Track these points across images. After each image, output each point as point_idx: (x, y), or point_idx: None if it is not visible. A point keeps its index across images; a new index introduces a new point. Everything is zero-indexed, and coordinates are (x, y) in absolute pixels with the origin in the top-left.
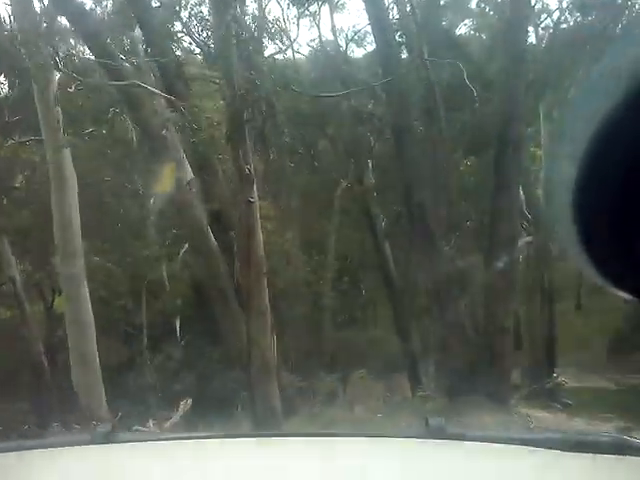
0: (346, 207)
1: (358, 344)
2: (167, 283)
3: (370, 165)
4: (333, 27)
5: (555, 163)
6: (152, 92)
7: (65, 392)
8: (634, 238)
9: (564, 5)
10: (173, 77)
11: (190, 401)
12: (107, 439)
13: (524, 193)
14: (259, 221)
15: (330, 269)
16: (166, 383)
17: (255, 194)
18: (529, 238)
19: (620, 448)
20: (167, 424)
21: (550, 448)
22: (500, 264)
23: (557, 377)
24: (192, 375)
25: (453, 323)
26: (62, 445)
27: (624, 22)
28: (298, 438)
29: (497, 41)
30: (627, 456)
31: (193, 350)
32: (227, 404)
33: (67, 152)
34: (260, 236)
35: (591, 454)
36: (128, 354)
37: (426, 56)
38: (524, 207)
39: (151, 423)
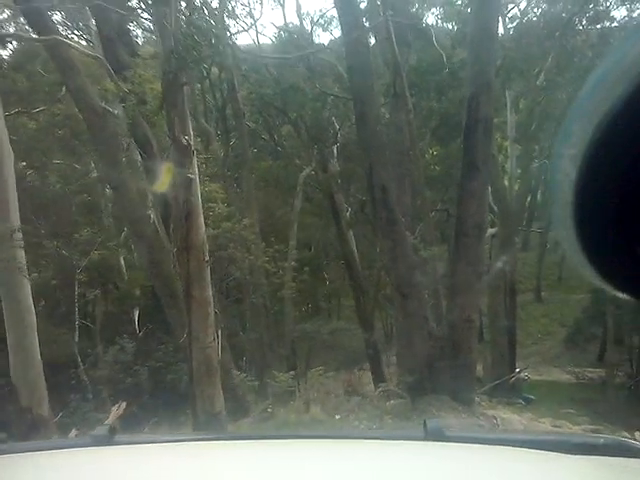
0: (309, 194)
1: (319, 337)
2: (125, 272)
3: (335, 152)
4: (298, 9)
5: (556, 163)
6: (91, 57)
7: (9, 387)
8: (634, 239)
9: None
10: (116, 44)
11: (124, 405)
12: (108, 441)
13: (490, 184)
14: (200, 200)
15: (291, 258)
16: (118, 378)
17: (195, 169)
18: (494, 230)
19: (619, 450)
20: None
21: (549, 450)
22: (467, 252)
23: (520, 372)
24: (146, 369)
25: (415, 315)
26: (62, 447)
27: (590, 13)
28: (297, 440)
29: (465, 26)
30: (626, 458)
31: (151, 341)
32: (181, 400)
33: (2, 126)
34: (202, 219)
35: (590, 456)
36: (80, 346)
37: (394, 41)
38: (490, 198)
39: (74, 433)
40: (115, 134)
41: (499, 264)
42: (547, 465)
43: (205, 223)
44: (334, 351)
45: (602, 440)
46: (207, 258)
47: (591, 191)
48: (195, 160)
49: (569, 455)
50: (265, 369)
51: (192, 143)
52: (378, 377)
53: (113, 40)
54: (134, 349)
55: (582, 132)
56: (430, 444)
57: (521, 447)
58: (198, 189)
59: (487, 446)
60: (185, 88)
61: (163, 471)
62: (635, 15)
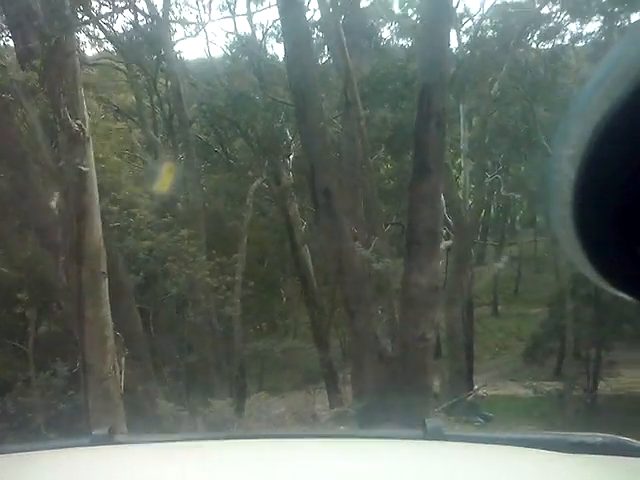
0: (263, 208)
1: (272, 356)
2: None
3: (289, 163)
4: (249, 17)
5: (555, 165)
6: None
7: None
8: (634, 239)
9: (485, 9)
10: (27, 29)
11: None
12: (107, 441)
13: (444, 197)
14: (97, 200)
15: (239, 272)
16: (50, 404)
17: (91, 159)
18: (449, 242)
19: (618, 448)
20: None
21: (547, 449)
22: (420, 261)
23: (478, 389)
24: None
25: (364, 334)
26: (62, 447)
27: (544, 28)
28: (295, 440)
29: (419, 40)
30: (625, 457)
31: None
32: None
33: None
34: (98, 222)
35: (589, 454)
36: (15, 370)
37: (345, 47)
38: (444, 211)
39: None
40: (16, 126)
41: (457, 276)
42: (546, 464)
43: (127, 232)
44: (289, 371)
45: (601, 439)
46: (104, 270)
47: (591, 191)
48: (90, 149)
49: (568, 454)
50: (205, 395)
51: (86, 128)
52: (334, 397)
53: (22, 24)
54: (69, 372)
55: (581, 132)
56: (429, 443)
57: (519, 446)
58: (95, 185)
59: (485, 445)
60: (76, 59)
61: (163, 471)
62: (584, 33)
